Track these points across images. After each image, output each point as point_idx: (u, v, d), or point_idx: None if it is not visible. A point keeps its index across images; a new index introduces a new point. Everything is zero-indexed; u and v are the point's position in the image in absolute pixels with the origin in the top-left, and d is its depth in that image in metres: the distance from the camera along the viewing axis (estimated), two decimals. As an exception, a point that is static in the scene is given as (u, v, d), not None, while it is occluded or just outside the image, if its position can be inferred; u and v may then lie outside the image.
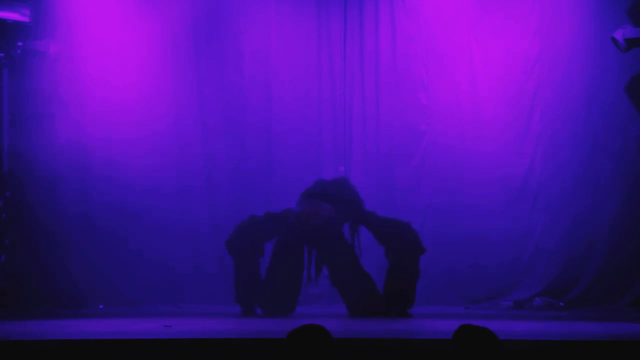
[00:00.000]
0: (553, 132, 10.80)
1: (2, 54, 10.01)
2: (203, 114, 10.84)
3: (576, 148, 10.71)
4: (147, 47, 10.56)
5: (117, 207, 10.30)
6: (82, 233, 10.30)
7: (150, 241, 10.36)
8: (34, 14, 9.97)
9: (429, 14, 10.95)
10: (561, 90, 10.76)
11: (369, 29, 11.03)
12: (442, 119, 10.88)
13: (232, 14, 10.89)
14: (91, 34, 10.40)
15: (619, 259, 10.46)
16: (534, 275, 10.69)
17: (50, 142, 10.00)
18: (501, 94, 10.87)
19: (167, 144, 10.63)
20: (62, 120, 10.10)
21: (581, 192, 10.66)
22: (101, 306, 10.10)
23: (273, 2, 10.94)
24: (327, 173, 10.41)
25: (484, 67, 10.89)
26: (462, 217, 10.72)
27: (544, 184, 10.79)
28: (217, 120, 10.87)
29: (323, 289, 10.09)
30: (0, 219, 10.01)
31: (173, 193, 10.61)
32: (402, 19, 11.00)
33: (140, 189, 10.39)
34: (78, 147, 10.20)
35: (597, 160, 10.63)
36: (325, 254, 9.38)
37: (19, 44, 10.04)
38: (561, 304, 10.42)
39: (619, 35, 10.07)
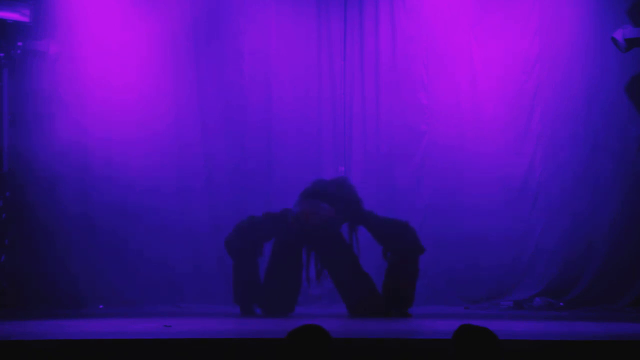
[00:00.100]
0: (553, 132, 10.79)
1: (2, 54, 10.01)
2: (203, 114, 10.84)
3: (576, 148, 10.71)
4: (147, 47, 10.55)
5: (117, 207, 10.29)
6: (82, 233, 10.30)
7: (150, 241, 10.36)
8: (34, 14, 9.97)
9: (429, 14, 10.95)
10: (561, 90, 10.76)
11: (369, 29, 11.03)
12: (442, 119, 10.88)
13: (232, 14, 10.89)
14: (91, 34, 10.40)
15: (619, 259, 10.46)
16: (534, 275, 10.69)
17: (50, 142, 10.00)
18: (501, 94, 10.87)
19: (167, 144, 10.63)
20: (62, 120, 10.10)
21: (581, 192, 10.66)
22: (101, 306, 10.10)
23: (273, 2, 10.94)
24: (327, 173, 10.40)
25: (484, 67, 10.89)
26: (462, 217, 10.72)
27: (544, 184, 10.79)
28: (217, 120, 10.87)
29: (323, 289, 10.09)
30: (0, 219, 10.01)
31: (173, 193, 10.61)
32: (402, 19, 11.00)
33: (140, 189, 10.38)
34: (78, 147, 10.20)
35: (597, 160, 10.63)
36: (324, 254, 9.38)
37: (19, 44, 10.04)
38: (561, 304, 10.42)
39: (619, 35, 10.07)
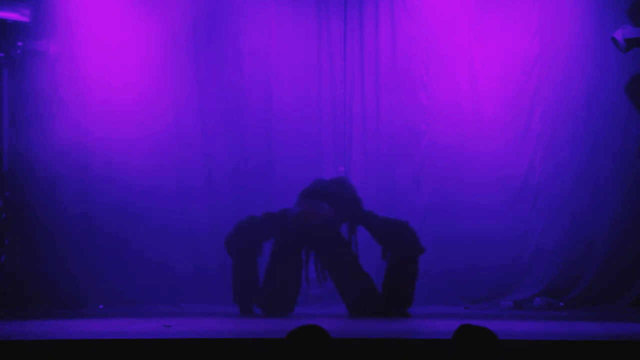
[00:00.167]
0: (553, 132, 10.79)
1: (2, 54, 10.01)
2: (203, 114, 10.84)
3: (576, 148, 10.71)
4: (147, 47, 10.55)
5: (117, 207, 10.29)
6: (82, 233, 10.30)
7: (150, 241, 10.36)
8: (34, 14, 9.97)
9: (429, 14, 10.95)
10: (561, 90, 10.76)
11: (369, 29, 11.03)
12: (442, 119, 10.88)
13: (232, 14, 10.89)
14: (91, 34, 10.39)
15: (619, 259, 10.46)
16: (534, 275, 10.69)
17: (50, 142, 9.99)
18: (501, 94, 10.87)
19: (167, 144, 10.63)
20: (62, 120, 10.09)
21: (581, 192, 10.66)
22: (101, 306, 10.10)
23: (273, 2, 10.94)
24: (327, 173, 10.40)
25: (484, 67, 10.89)
26: (462, 217, 10.72)
27: (544, 184, 10.79)
28: (217, 120, 10.87)
29: (323, 289, 10.08)
30: (0, 219, 10.01)
31: (173, 193, 10.61)
32: (402, 19, 11.00)
33: (140, 189, 10.38)
34: (78, 147, 10.20)
35: (597, 160, 10.63)
36: (324, 254, 9.38)
37: (19, 44, 10.03)
38: (561, 304, 10.42)
39: (619, 35, 10.07)
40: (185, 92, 10.77)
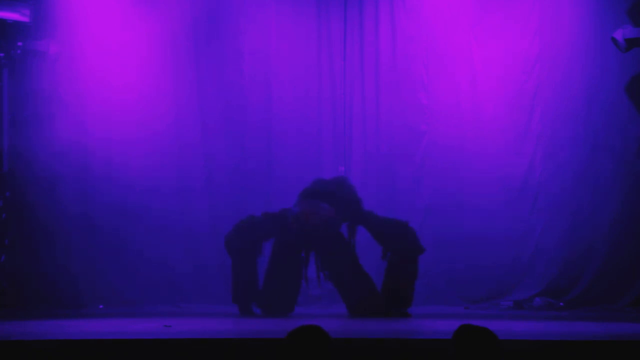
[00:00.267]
0: (553, 132, 10.79)
1: (2, 54, 10.01)
2: (203, 114, 10.84)
3: (576, 148, 10.71)
4: (147, 47, 10.55)
5: (117, 207, 10.29)
6: (82, 233, 10.30)
7: (150, 241, 10.36)
8: (34, 14, 9.97)
9: (429, 14, 10.95)
10: (561, 90, 10.76)
11: (369, 29, 11.03)
12: (442, 119, 10.88)
13: (232, 14, 10.89)
14: (91, 34, 10.39)
15: (619, 259, 10.46)
16: (534, 275, 10.69)
17: (50, 142, 9.99)
18: (501, 94, 10.87)
19: (167, 144, 10.63)
20: (62, 120, 10.09)
21: (581, 192, 10.66)
22: (101, 306, 10.10)
23: (273, 2, 10.94)
24: (327, 173, 10.40)
25: (484, 67, 10.89)
26: (462, 217, 10.72)
27: (544, 184, 10.79)
28: (217, 120, 10.87)
29: (323, 289, 10.08)
30: (0, 219, 10.01)
31: (173, 193, 10.61)
32: (402, 19, 11.00)
33: (140, 189, 10.38)
34: (78, 147, 10.20)
35: (597, 160, 10.63)
36: (324, 254, 9.38)
37: (19, 44, 10.03)
38: (561, 304, 10.42)
39: (619, 35, 10.07)
40: (185, 92, 10.77)
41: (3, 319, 8.45)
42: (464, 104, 10.90)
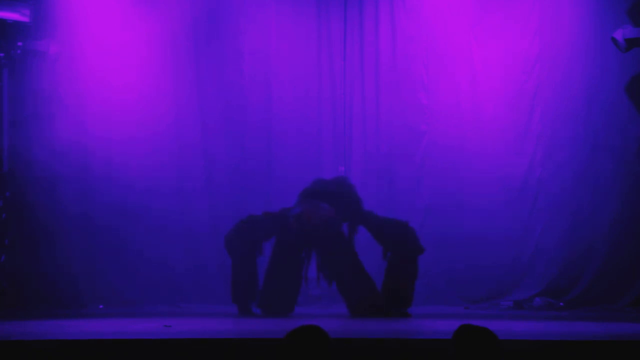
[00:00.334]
0: (553, 132, 10.80)
1: (2, 54, 10.01)
2: (203, 114, 10.84)
3: (576, 148, 10.71)
4: (147, 47, 10.55)
5: (117, 207, 10.29)
6: (82, 233, 10.30)
7: (150, 241, 10.36)
8: (34, 14, 9.97)
9: (429, 14, 10.95)
10: (561, 90, 10.76)
11: (369, 29, 11.03)
12: (442, 119, 10.88)
13: (232, 14, 10.89)
14: (91, 34, 10.39)
15: (619, 259, 10.46)
16: (534, 275, 10.69)
17: (50, 142, 9.99)
18: (501, 94, 10.87)
19: (167, 144, 10.63)
20: (62, 120, 10.09)
21: (581, 192, 10.66)
22: (101, 306, 10.10)
23: (273, 2, 10.94)
24: (327, 173, 10.40)
25: (484, 67, 10.89)
26: (462, 217, 10.72)
27: (544, 184, 10.79)
28: (217, 120, 10.87)
29: (323, 289, 10.07)
30: (0, 219, 10.01)
31: (173, 193, 10.61)
32: (402, 19, 11.00)
33: (140, 189, 10.38)
34: (78, 147, 10.20)
35: (597, 160, 10.63)
36: (325, 254, 9.37)
37: (19, 44, 10.03)
38: (561, 304, 10.42)
39: (619, 35, 10.07)
40: (185, 92, 10.77)
41: (3, 319, 8.45)
42: (464, 104, 10.90)
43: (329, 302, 10.24)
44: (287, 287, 9.41)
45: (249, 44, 10.90)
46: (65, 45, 10.24)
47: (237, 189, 10.80)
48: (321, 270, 9.38)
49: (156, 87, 10.59)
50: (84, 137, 10.25)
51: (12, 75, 10.07)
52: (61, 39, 10.21)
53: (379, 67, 10.99)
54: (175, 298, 10.39)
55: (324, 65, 11.01)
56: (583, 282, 10.53)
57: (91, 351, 6.01)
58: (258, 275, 9.50)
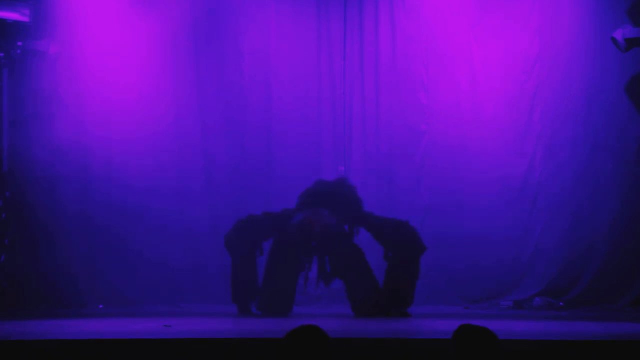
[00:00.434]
0: (553, 132, 10.80)
1: (2, 54, 10.01)
2: (203, 114, 10.85)
3: (576, 148, 10.72)
4: (147, 47, 10.56)
5: (117, 207, 10.30)
6: (82, 233, 10.30)
7: (150, 241, 10.37)
8: (34, 14, 9.96)
9: (429, 14, 10.95)
10: (561, 90, 10.77)
11: (369, 29, 11.03)
12: (442, 119, 10.89)
13: (232, 14, 10.89)
14: (91, 34, 10.39)
15: (619, 259, 10.46)
16: (534, 275, 10.69)
17: (50, 142, 9.99)
18: (501, 94, 10.87)
19: (167, 144, 10.64)
20: (62, 120, 10.10)
21: (581, 192, 10.67)
22: (101, 306, 10.10)
23: (273, 2, 10.94)
24: (327, 173, 10.41)
25: (484, 67, 10.89)
26: (462, 217, 10.73)
27: (544, 184, 10.79)
28: (217, 120, 10.88)
29: (323, 289, 10.07)
30: (0, 219, 10.01)
31: (173, 193, 10.62)
32: (402, 19, 11.00)
33: (140, 189, 10.38)
34: (78, 147, 10.20)
35: (597, 160, 10.63)
36: (328, 256, 9.35)
37: (19, 44, 10.03)
38: (561, 304, 10.42)
39: (619, 35, 10.07)
40: (185, 92, 10.78)
41: (3, 319, 8.45)
42: (464, 104, 10.91)
43: (329, 302, 10.25)
44: (287, 287, 9.40)
45: (249, 44, 10.90)
46: (65, 45, 10.24)
47: (237, 189, 10.80)
48: (322, 272, 9.36)
49: (156, 87, 10.60)
50: (84, 137, 10.25)
51: (12, 75, 10.07)
52: (61, 39, 10.21)
53: (379, 67, 10.99)
54: (175, 298, 10.39)
55: (324, 65, 11.01)
56: (583, 282, 10.53)
57: (91, 351, 6.01)
58: (258, 275, 9.50)
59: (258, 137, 10.92)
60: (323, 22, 11.03)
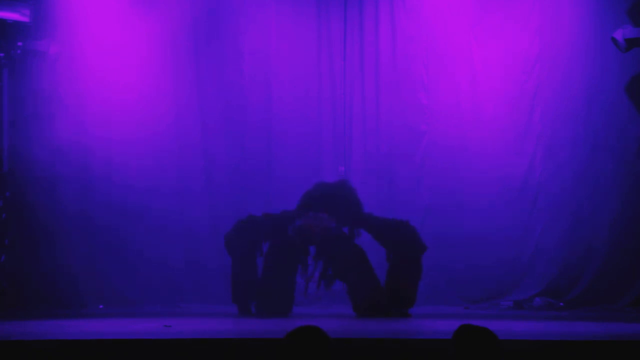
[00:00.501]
0: (553, 132, 10.80)
1: (2, 54, 10.01)
2: (203, 114, 10.85)
3: (576, 148, 10.72)
4: (147, 47, 10.56)
5: (117, 207, 10.30)
6: (82, 233, 10.30)
7: (150, 241, 10.37)
8: (34, 14, 9.96)
9: (429, 14, 10.95)
10: (561, 90, 10.77)
11: (369, 29, 11.03)
12: (442, 119, 10.89)
13: (232, 14, 10.89)
14: (91, 34, 10.39)
15: (619, 259, 10.46)
16: (534, 275, 10.69)
17: (50, 142, 9.99)
18: (501, 94, 10.87)
19: (167, 144, 10.64)
20: (62, 120, 10.09)
21: (581, 192, 10.67)
22: (101, 306, 10.10)
23: (273, 2, 10.94)
24: (327, 173, 10.41)
25: (484, 67, 10.89)
26: (462, 217, 10.73)
27: (544, 184, 10.79)
28: (217, 120, 10.88)
29: (323, 290, 10.07)
30: (0, 219, 10.01)
31: (173, 193, 10.62)
32: (402, 19, 11.00)
33: (140, 189, 10.39)
34: (78, 147, 10.20)
35: (597, 160, 10.63)
36: (329, 257, 9.34)
37: (19, 44, 10.03)
38: (561, 304, 10.42)
39: (619, 35, 10.07)
40: (185, 92, 10.78)
41: (3, 319, 8.45)
42: (464, 104, 10.91)
43: (329, 302, 10.24)
44: (286, 287, 9.39)
45: (249, 44, 10.90)
46: (65, 45, 10.24)
47: (237, 189, 10.80)
48: (324, 275, 9.35)
49: (156, 87, 10.60)
50: (84, 137, 10.25)
51: (12, 75, 10.07)
52: (61, 39, 10.21)
53: (379, 67, 10.99)
54: (175, 298, 10.39)
55: (324, 65, 11.01)
56: (583, 282, 10.53)
57: (91, 351, 6.01)
58: (258, 275, 9.49)
59: (258, 137, 10.92)
60: (323, 22, 11.03)
